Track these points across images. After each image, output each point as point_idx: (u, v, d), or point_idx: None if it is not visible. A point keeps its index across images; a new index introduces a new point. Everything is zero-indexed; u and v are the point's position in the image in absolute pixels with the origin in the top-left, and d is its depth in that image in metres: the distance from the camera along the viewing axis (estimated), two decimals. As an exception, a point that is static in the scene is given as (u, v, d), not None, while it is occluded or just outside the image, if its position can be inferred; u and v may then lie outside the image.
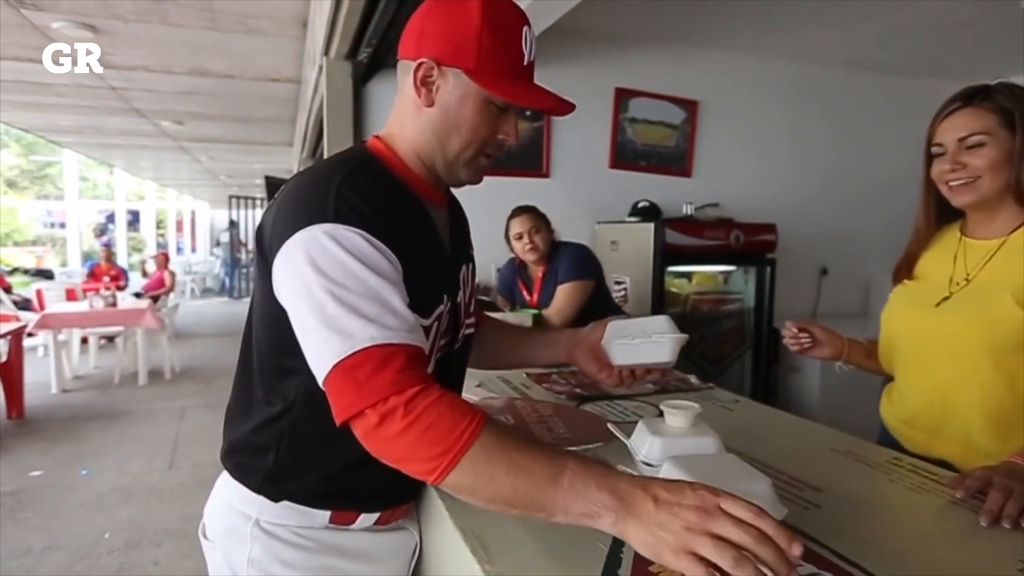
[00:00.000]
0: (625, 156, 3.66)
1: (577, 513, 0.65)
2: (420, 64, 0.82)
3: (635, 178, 3.67)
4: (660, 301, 3.22)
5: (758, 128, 3.96)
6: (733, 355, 3.64)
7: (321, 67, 3.09)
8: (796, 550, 0.55)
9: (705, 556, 0.56)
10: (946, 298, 1.17)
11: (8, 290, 7.73)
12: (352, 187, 0.77)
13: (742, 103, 3.90)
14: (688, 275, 3.54)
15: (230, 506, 0.90)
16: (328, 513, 0.89)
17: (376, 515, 0.93)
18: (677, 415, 0.93)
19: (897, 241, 1.36)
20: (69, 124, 7.49)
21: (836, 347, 1.34)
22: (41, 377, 5.46)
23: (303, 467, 0.87)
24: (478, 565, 0.71)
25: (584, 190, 3.60)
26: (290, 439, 0.86)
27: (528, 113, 3.35)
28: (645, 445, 0.92)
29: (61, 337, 5.47)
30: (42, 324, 5.21)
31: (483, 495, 0.70)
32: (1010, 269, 1.10)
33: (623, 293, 3.32)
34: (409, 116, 0.87)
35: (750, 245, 3.37)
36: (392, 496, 0.93)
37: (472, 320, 1.03)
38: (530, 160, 3.44)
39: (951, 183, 1.14)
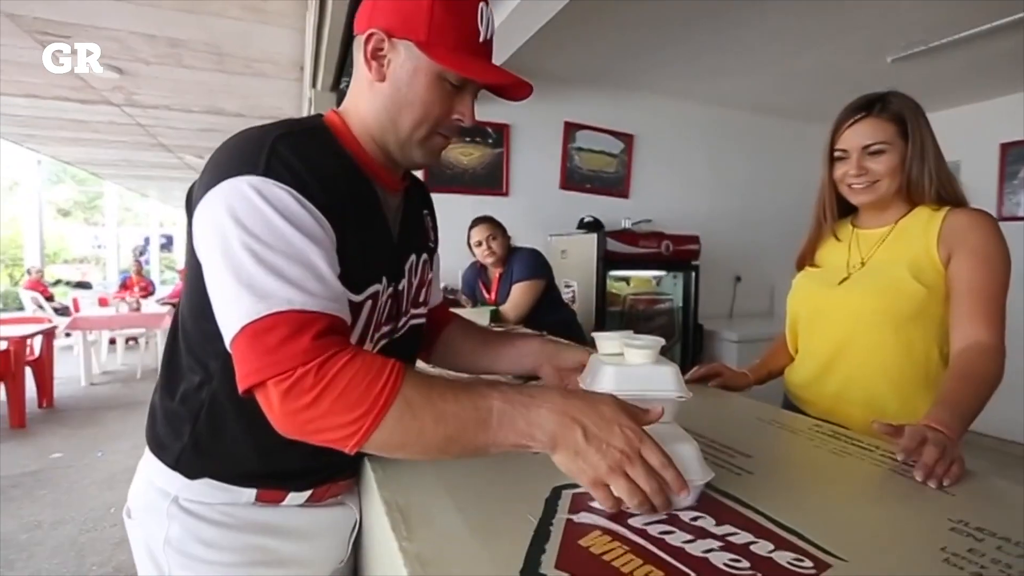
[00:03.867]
0: (573, 179, 3.51)
1: (509, 445, 0.57)
2: (370, 35, 0.64)
3: (581, 198, 3.53)
4: (603, 300, 3.07)
5: (683, 158, 3.86)
6: (664, 347, 3.50)
7: (310, 99, 2.90)
8: (683, 497, 0.56)
9: (616, 493, 0.53)
10: (846, 278, 1.07)
11: (50, 298, 7.24)
12: (289, 145, 0.59)
13: (669, 137, 3.80)
14: (626, 279, 3.39)
15: (149, 482, 0.70)
16: (253, 491, 0.69)
17: (307, 493, 0.72)
18: (638, 353, 0.67)
19: (795, 255, 1.24)
20: (106, 158, 7.09)
21: (739, 381, 1.20)
22: (74, 372, 5.07)
23: (223, 443, 0.67)
24: (396, 543, 0.53)
25: (539, 207, 3.44)
26: (209, 412, 0.66)
27: (491, 136, 3.20)
28: (598, 376, 0.66)
29: (91, 337, 5.09)
30: (73, 325, 4.84)
31: (414, 449, 0.55)
32: (901, 248, 1.01)
33: (571, 294, 3.17)
34: (363, 93, 0.68)
35: (678, 254, 3.24)
36: (325, 473, 0.73)
37: (422, 311, 0.82)
38: (492, 181, 3.26)
39: (853, 185, 1.04)
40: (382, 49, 0.65)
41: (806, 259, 1.18)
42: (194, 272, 0.61)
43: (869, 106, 1.02)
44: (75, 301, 6.71)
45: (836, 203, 1.13)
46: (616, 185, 3.65)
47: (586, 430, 0.54)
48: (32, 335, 4.00)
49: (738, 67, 3.22)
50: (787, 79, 3.39)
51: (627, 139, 3.63)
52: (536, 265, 2.39)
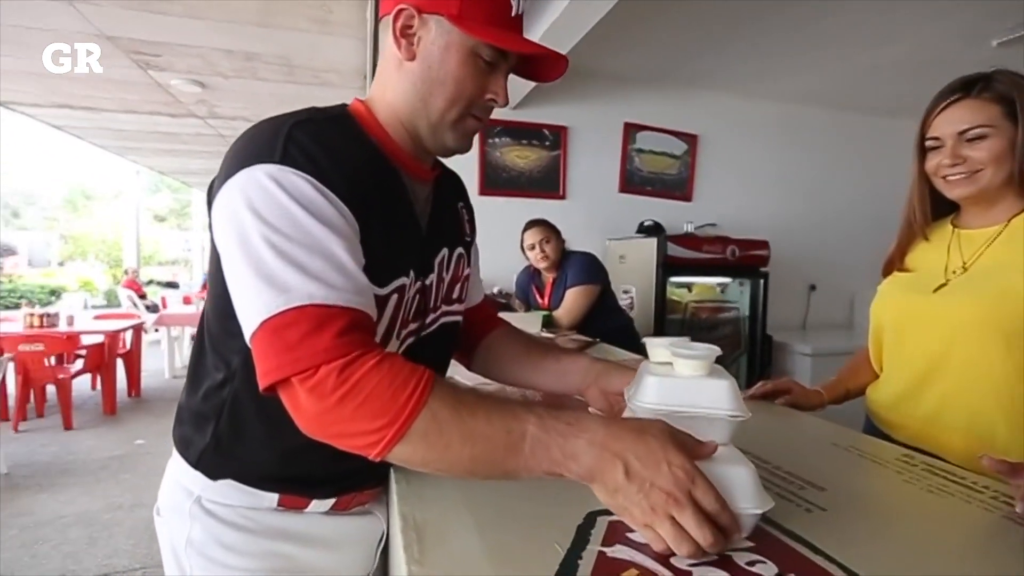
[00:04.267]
0: (633, 182, 3.38)
1: (541, 472, 0.51)
2: (400, 12, 0.61)
3: (641, 201, 3.39)
4: (663, 308, 2.92)
5: (750, 159, 3.63)
6: (729, 359, 3.28)
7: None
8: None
9: (664, 536, 0.47)
10: (943, 284, 0.92)
11: (143, 296, 7.88)
12: (307, 132, 0.56)
13: (736, 137, 3.58)
14: (688, 285, 3.22)
15: (176, 481, 0.69)
16: (276, 496, 0.66)
17: (331, 501, 0.69)
18: (688, 363, 0.56)
19: (879, 262, 1.10)
20: (196, 167, 7.66)
21: (811, 400, 1.08)
22: (160, 365, 5.49)
23: (244, 443, 0.64)
24: (405, 566, 0.48)
25: (596, 211, 3.33)
26: (231, 411, 0.64)
27: (548, 138, 3.14)
28: (640, 387, 0.57)
29: (174, 333, 5.49)
30: (160, 322, 5.24)
31: (438, 466, 0.51)
32: (1016, 251, 0.86)
33: (629, 301, 3.04)
34: (391, 76, 0.64)
35: (745, 259, 3.04)
36: (349, 481, 0.69)
37: (456, 308, 0.77)
38: (549, 184, 3.19)
39: (949, 177, 0.90)
40: (412, 26, 0.62)
41: (895, 264, 1.04)
42: (216, 268, 0.59)
43: (967, 87, 0.88)
44: (163, 299, 7.28)
45: (930, 200, 0.99)
46: (678, 188, 3.48)
47: (628, 467, 0.48)
48: (124, 330, 4.35)
49: (814, 62, 2.99)
50: (871, 72, 3.10)
51: (691, 140, 3.47)
52: (591, 270, 2.31)
